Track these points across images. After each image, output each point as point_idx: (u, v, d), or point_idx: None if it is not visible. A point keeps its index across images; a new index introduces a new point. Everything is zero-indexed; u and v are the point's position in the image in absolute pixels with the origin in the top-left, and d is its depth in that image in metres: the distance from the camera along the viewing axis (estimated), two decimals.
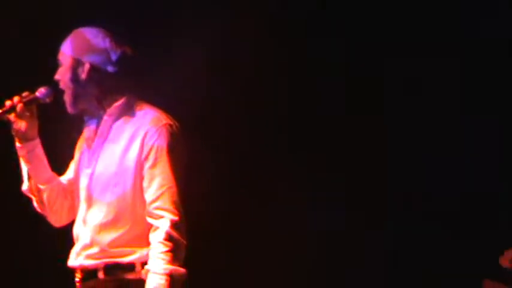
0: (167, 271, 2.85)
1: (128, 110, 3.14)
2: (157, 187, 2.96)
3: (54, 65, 3.21)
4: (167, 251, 2.87)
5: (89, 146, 3.18)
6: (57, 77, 3.15)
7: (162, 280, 2.84)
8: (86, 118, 3.22)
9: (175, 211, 2.93)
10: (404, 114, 5.38)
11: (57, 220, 3.35)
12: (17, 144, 3.18)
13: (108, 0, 4.79)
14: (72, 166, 3.34)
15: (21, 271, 5.16)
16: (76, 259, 3.12)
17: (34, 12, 4.72)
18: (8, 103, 3.10)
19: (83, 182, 3.14)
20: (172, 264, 2.86)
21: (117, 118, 3.13)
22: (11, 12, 4.75)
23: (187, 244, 2.96)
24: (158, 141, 3.01)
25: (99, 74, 3.10)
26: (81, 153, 3.26)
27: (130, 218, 3.02)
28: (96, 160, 3.13)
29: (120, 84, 3.15)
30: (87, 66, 3.09)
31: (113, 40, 3.13)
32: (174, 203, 2.95)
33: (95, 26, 3.22)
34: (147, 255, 2.93)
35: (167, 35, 5.04)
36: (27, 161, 3.19)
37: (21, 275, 5.15)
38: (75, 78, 3.11)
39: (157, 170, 2.98)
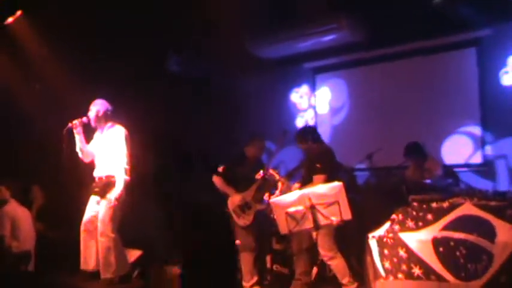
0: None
1: (111, 127, 6.08)
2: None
3: (87, 111, 6.12)
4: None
5: (97, 140, 6.15)
6: (89, 114, 6.06)
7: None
8: (99, 129, 6.13)
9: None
10: None
11: (86, 160, 6.09)
12: (76, 136, 5.93)
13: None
14: (91, 145, 6.18)
15: None
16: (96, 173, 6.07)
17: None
18: (74, 122, 5.91)
19: (96, 150, 6.12)
20: None
21: (107, 129, 6.09)
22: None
23: None
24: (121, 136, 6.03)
25: (104, 114, 6.08)
26: (95, 141, 6.16)
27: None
28: (99, 144, 6.10)
29: (109, 117, 6.09)
30: (101, 111, 6.07)
31: (106, 102, 6.09)
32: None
33: (102, 97, 6.17)
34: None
35: None
36: (80, 141, 5.96)
37: None
38: (96, 115, 6.06)
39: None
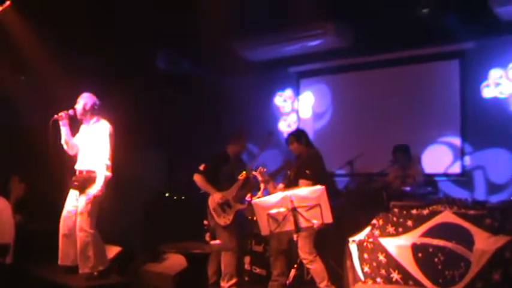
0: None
1: (97, 121, 5.97)
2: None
3: (74, 103, 6.03)
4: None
5: (82, 133, 6.08)
6: (76, 107, 5.98)
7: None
8: (84, 122, 6.05)
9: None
10: None
11: (71, 152, 6.01)
12: (62, 127, 5.86)
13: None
14: (77, 137, 6.09)
15: None
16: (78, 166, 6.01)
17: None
18: (60, 114, 5.86)
19: (81, 144, 6.03)
20: None
21: (93, 123, 5.99)
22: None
23: None
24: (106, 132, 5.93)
25: (91, 108, 6.00)
26: (80, 134, 6.07)
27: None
28: (84, 138, 6.01)
29: (96, 112, 6.00)
30: (88, 105, 5.97)
31: (94, 96, 6.02)
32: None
33: (89, 92, 6.08)
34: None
35: None
36: (65, 133, 5.89)
37: None
38: (83, 108, 5.99)
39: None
